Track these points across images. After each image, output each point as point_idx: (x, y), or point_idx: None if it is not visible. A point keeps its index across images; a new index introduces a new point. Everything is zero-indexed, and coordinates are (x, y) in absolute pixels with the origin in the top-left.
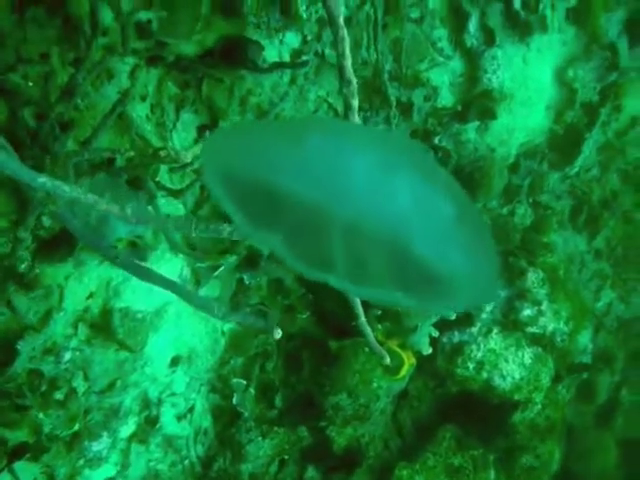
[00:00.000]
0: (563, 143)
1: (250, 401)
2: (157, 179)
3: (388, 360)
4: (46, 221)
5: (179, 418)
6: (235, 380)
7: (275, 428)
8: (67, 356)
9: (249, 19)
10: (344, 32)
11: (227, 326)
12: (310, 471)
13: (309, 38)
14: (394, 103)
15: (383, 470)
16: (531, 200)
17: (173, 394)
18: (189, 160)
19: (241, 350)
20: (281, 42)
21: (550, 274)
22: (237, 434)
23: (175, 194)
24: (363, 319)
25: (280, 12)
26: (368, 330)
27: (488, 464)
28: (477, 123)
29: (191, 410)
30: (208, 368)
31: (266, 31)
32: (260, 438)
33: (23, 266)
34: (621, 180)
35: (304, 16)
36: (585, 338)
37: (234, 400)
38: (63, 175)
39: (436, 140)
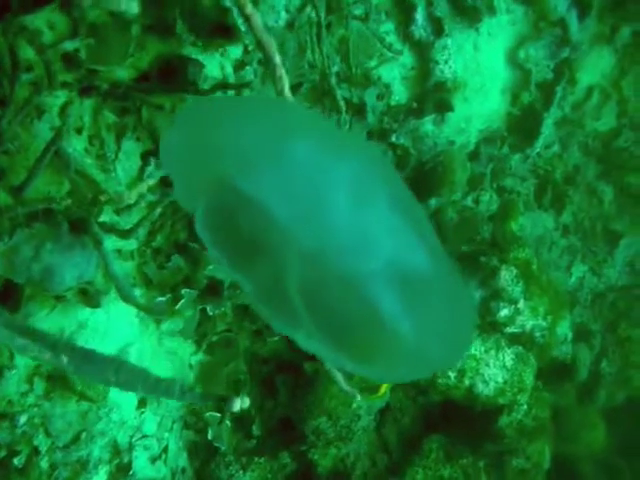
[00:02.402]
0: (522, 125)
1: (227, 434)
2: (102, 220)
3: (359, 398)
4: None
5: (153, 460)
6: (209, 414)
7: (255, 459)
8: (23, 419)
9: (184, 37)
10: (282, 71)
11: (195, 358)
12: None
13: (250, 48)
14: (344, 108)
15: (384, 468)
16: (495, 186)
17: (144, 436)
18: (133, 201)
19: (212, 381)
20: (222, 55)
21: (523, 270)
22: (216, 470)
23: (124, 235)
24: None
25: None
26: (336, 372)
27: (479, 471)
28: (433, 115)
29: (165, 450)
30: (179, 405)
31: (203, 48)
32: (241, 472)
33: None
34: (582, 153)
35: (242, 28)
36: (564, 328)
37: (209, 435)
38: None
39: (393, 138)
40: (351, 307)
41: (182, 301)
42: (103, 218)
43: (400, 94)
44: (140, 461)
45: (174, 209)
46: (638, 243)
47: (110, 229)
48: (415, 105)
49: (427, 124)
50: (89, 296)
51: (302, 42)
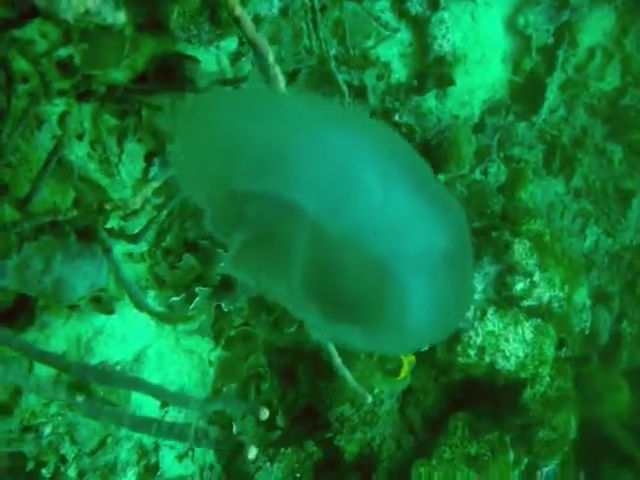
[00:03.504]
0: (525, 92)
1: (251, 426)
2: (109, 226)
3: (370, 399)
4: None
5: (180, 458)
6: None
7: (282, 449)
8: (47, 430)
9: (178, 35)
10: (277, 70)
11: (214, 354)
12: None
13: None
14: (346, 92)
15: (400, 471)
16: (502, 156)
17: None
18: (138, 206)
19: (233, 376)
20: (217, 47)
21: (536, 242)
22: (244, 465)
23: (132, 239)
24: (338, 360)
25: (210, 22)
26: (346, 372)
27: (505, 446)
28: (435, 90)
29: (192, 448)
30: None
31: (198, 44)
32: (268, 464)
33: None
34: (588, 115)
35: None
36: (581, 296)
37: (234, 429)
38: (4, 250)
39: (396, 117)
40: (372, 293)
41: (197, 299)
42: (110, 224)
43: (400, 72)
44: (167, 460)
45: (182, 208)
46: None
47: (118, 234)
48: (416, 82)
49: (430, 100)
50: (103, 303)
51: (297, 28)
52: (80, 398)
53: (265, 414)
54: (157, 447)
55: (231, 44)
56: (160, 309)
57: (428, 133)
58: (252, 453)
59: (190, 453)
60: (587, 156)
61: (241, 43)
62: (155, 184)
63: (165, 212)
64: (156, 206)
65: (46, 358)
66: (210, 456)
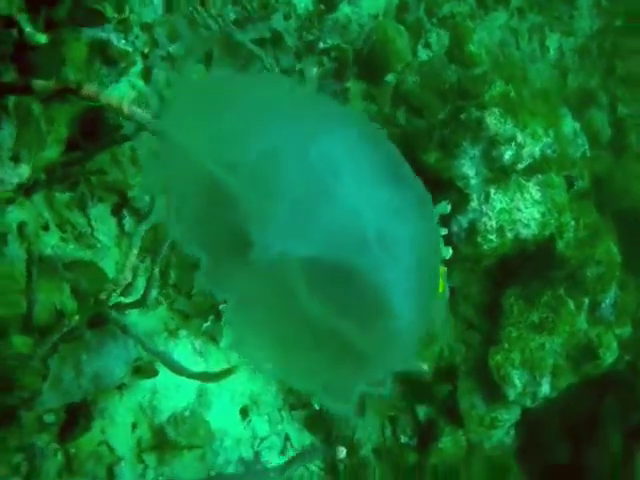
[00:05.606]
0: None
1: None
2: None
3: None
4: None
5: (283, 452)
6: None
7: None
8: None
9: None
10: None
11: None
12: (422, 410)
13: (146, 51)
14: (263, 53)
15: (479, 367)
16: (436, 21)
17: (263, 439)
18: (130, 278)
19: None
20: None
21: (504, 104)
22: (339, 427)
23: (138, 305)
24: None
25: (105, 64)
26: None
27: (562, 300)
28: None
29: (288, 439)
30: (275, 395)
31: (106, 87)
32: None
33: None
34: None
35: (129, 49)
36: (568, 125)
37: (316, 404)
38: (34, 383)
39: (321, 44)
40: (353, 302)
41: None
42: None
43: (303, 0)
44: (273, 462)
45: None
46: None
47: (125, 306)
48: (322, 5)
49: (344, 8)
50: (144, 370)
51: (189, 15)
52: None
53: (343, 452)
54: (257, 456)
55: (136, 68)
56: (197, 344)
57: (357, 44)
58: (342, 453)
59: (288, 445)
60: None
61: (145, 57)
62: (135, 250)
63: (157, 270)
64: (146, 267)
65: None
66: (307, 437)
